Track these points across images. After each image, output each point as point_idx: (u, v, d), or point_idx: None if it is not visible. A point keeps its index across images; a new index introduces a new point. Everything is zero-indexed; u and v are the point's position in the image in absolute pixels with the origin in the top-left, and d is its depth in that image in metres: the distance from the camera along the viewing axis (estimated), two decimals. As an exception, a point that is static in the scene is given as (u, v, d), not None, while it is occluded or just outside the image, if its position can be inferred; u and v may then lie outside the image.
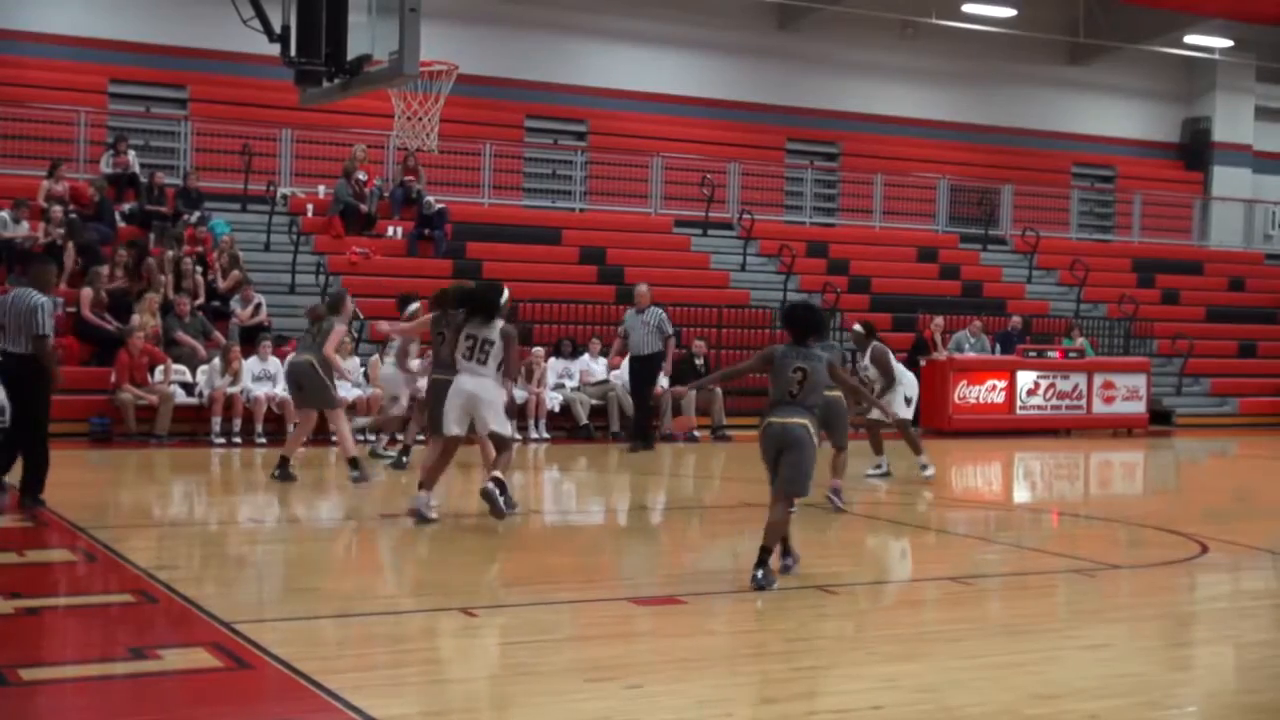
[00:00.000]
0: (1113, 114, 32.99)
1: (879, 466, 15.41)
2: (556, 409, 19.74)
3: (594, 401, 19.89)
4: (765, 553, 8.84)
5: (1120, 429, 23.00)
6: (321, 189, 23.00)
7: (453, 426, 11.18)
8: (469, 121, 24.27)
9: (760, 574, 8.78)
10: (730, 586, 9.35)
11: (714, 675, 7.07)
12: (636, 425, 18.75)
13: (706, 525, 12.97)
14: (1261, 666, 7.77)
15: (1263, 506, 15.59)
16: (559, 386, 20.03)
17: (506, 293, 11.32)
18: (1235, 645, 8.35)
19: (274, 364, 18.39)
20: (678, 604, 8.51)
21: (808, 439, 8.86)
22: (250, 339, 19.05)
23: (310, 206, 22.63)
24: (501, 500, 11.00)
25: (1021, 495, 15.62)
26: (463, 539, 11.30)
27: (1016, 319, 23.92)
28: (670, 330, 18.47)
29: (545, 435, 19.41)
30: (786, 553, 9.30)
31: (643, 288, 18.81)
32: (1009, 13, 29.00)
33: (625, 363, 19.09)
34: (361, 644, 7.52)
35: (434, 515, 11.37)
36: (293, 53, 10.90)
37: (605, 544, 11.61)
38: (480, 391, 11.03)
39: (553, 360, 20.13)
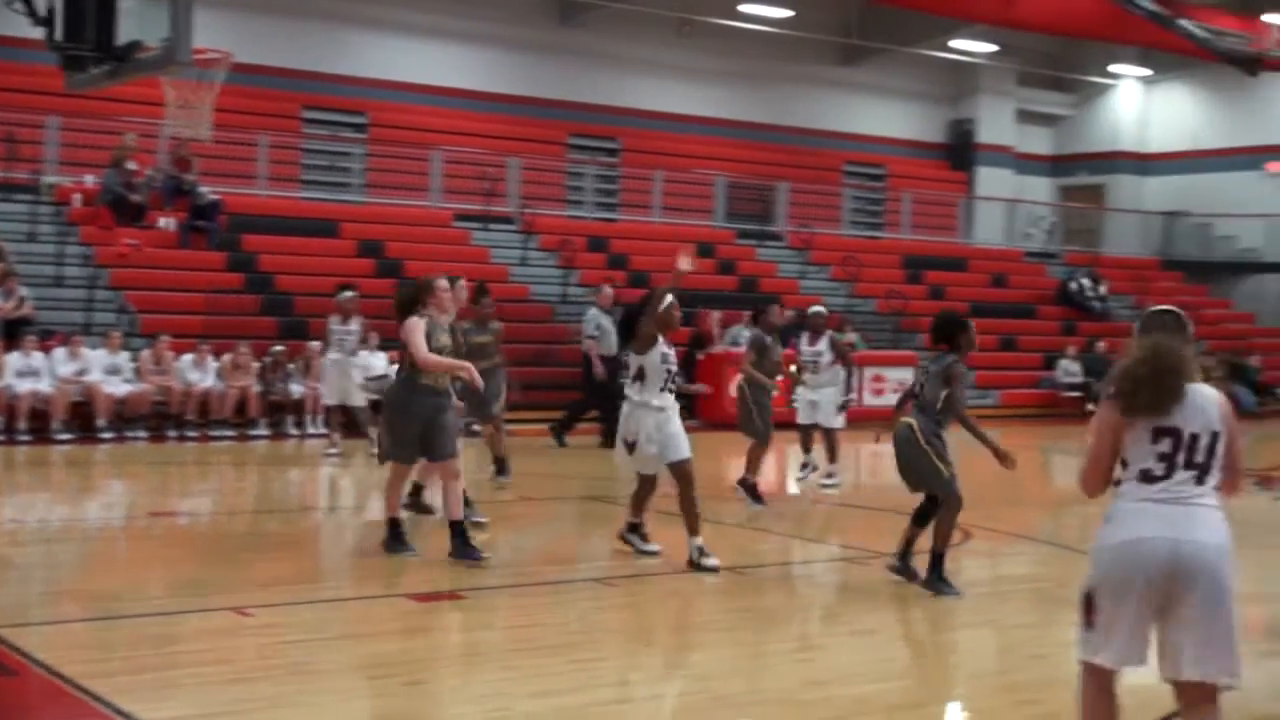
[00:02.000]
0: (883, 114, 33.92)
1: (810, 467, 15.19)
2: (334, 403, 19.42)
3: (372, 397, 19.61)
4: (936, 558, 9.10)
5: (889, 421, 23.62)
6: (90, 178, 22.24)
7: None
8: (244, 111, 23.73)
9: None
10: (510, 581, 9.37)
11: (493, 670, 7.09)
12: (569, 422, 18.76)
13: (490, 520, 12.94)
14: (1018, 648, 8.11)
15: (1022, 495, 16.21)
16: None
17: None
18: (996, 628, 8.70)
19: (38, 359, 17.73)
20: (457, 599, 8.51)
21: (910, 437, 9.23)
22: (12, 333, 18.34)
23: (78, 196, 21.89)
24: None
25: (794, 486, 15.96)
26: (238, 538, 11.11)
27: (791, 313, 24.38)
28: None
29: (322, 431, 19.08)
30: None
31: (607, 289, 18.96)
32: (785, 13, 29.56)
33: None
34: (130, 646, 7.34)
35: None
36: (59, 37, 10.54)
37: (381, 541, 11.51)
38: None
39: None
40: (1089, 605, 5.02)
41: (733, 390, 21.84)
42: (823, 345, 14.80)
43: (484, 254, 24.61)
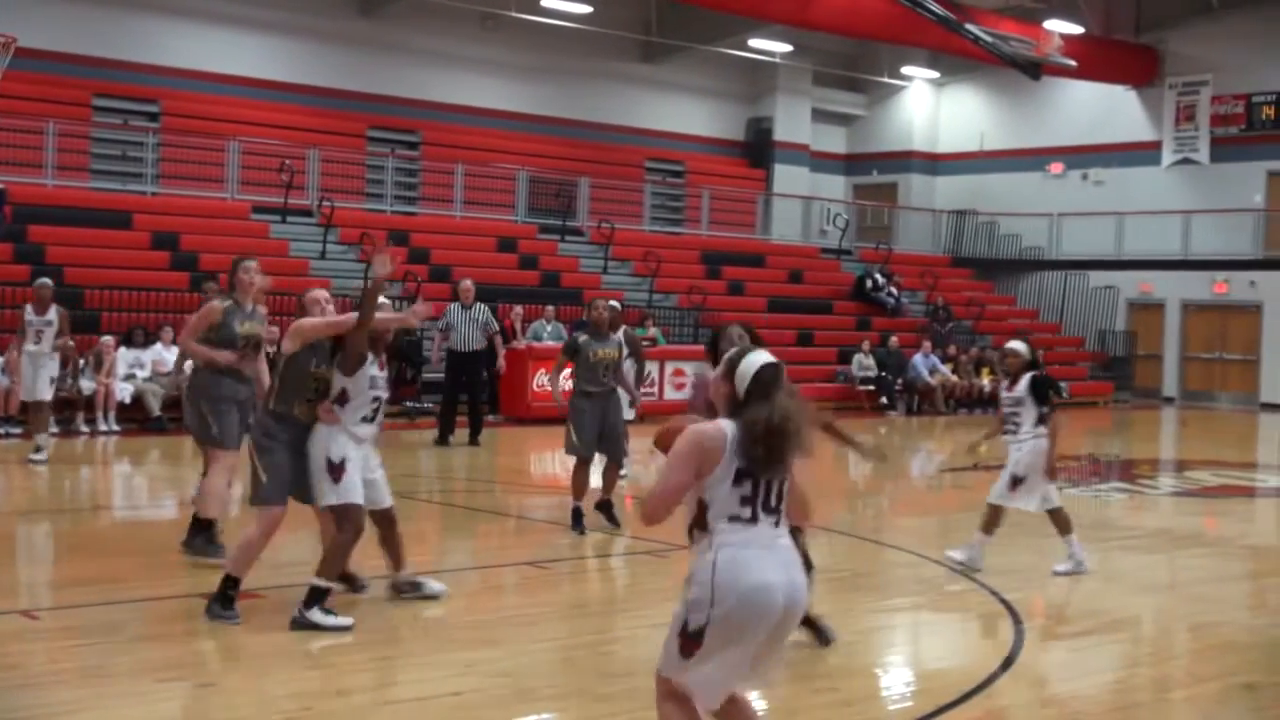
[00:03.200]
0: (683, 111, 34.28)
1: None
2: (128, 400, 18.96)
3: (166, 392, 19.19)
4: None
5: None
6: None
7: None
8: (30, 98, 22.98)
9: None
10: (302, 580, 9.26)
11: (291, 670, 7.02)
12: (446, 418, 18.37)
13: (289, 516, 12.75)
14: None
15: (816, 486, 16.58)
16: (130, 377, 19.25)
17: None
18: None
19: None
20: (255, 598, 8.39)
21: None
22: None
23: None
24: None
25: (597, 480, 16.09)
26: (25, 538, 10.78)
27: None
28: (496, 327, 18.35)
29: (115, 428, 18.61)
30: None
31: (467, 283, 18.69)
32: (585, 9, 29.67)
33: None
34: (-88, 653, 7.09)
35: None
36: None
37: (177, 540, 11.29)
38: None
39: (123, 350, 19.31)
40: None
41: (536, 385, 21.98)
42: (619, 338, 14.37)
43: (283, 247, 24.21)
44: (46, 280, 15.44)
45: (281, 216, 24.95)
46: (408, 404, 21.16)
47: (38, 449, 14.63)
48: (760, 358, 4.88)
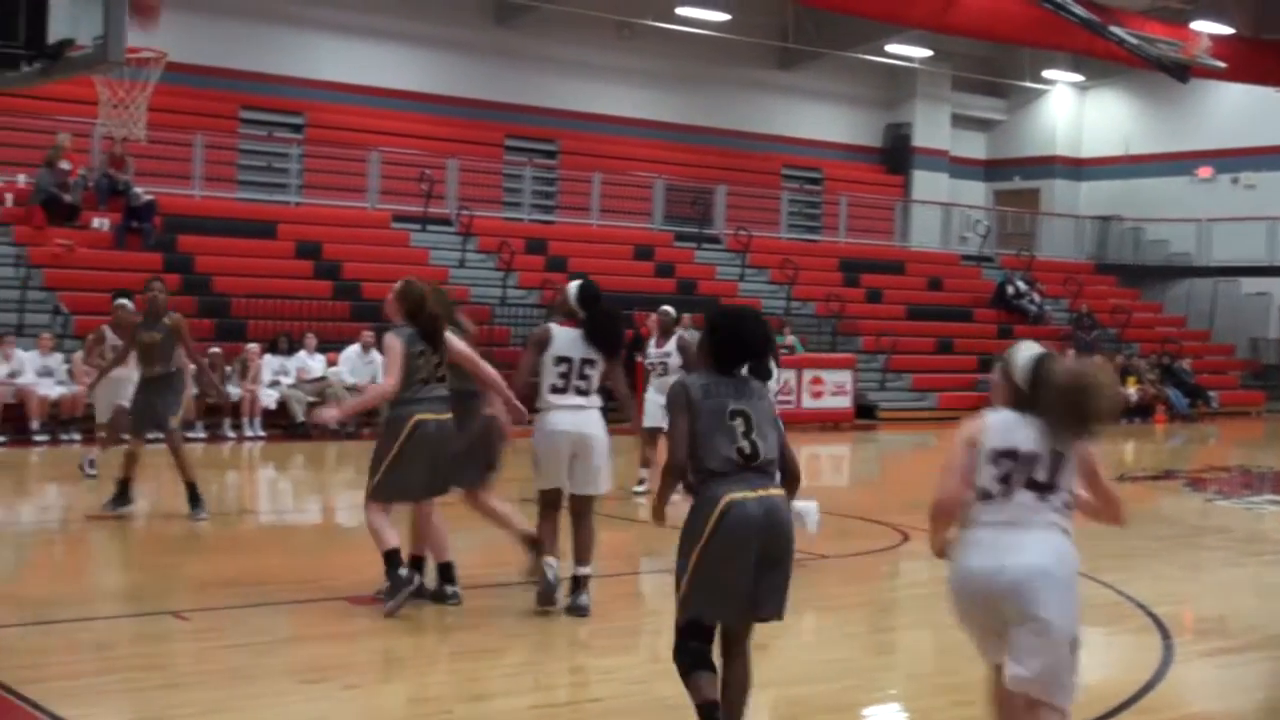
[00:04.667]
0: (820, 118, 34.08)
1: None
2: (273, 406, 19.33)
3: (310, 399, 19.53)
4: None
5: (828, 423, 23.77)
6: (22, 178, 21.97)
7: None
8: (180, 111, 23.53)
9: None
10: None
11: (433, 674, 7.08)
12: None
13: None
14: (956, 649, 8.14)
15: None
16: (275, 384, 19.62)
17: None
18: (933, 629, 8.75)
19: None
20: (396, 602, 8.45)
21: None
22: (-58, 334, 18.08)
23: (9, 196, 21.61)
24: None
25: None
26: (173, 541, 11.01)
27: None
28: None
29: (261, 433, 18.98)
30: None
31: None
32: (722, 17, 29.64)
33: None
34: (65, 652, 7.27)
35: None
36: (-12, 35, 10.42)
37: (322, 544, 11.46)
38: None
39: (268, 357, 19.70)
40: None
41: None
42: (670, 346, 14.05)
43: (423, 255, 24.52)
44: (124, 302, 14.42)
45: (421, 225, 25.26)
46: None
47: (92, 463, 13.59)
48: (1030, 350, 5.11)
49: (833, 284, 28.29)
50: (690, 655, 5.50)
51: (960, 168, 36.09)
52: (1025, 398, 5.00)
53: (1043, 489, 5.01)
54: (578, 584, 8.28)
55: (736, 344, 5.57)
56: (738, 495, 5.34)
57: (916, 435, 23.96)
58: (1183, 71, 29.30)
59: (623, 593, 9.63)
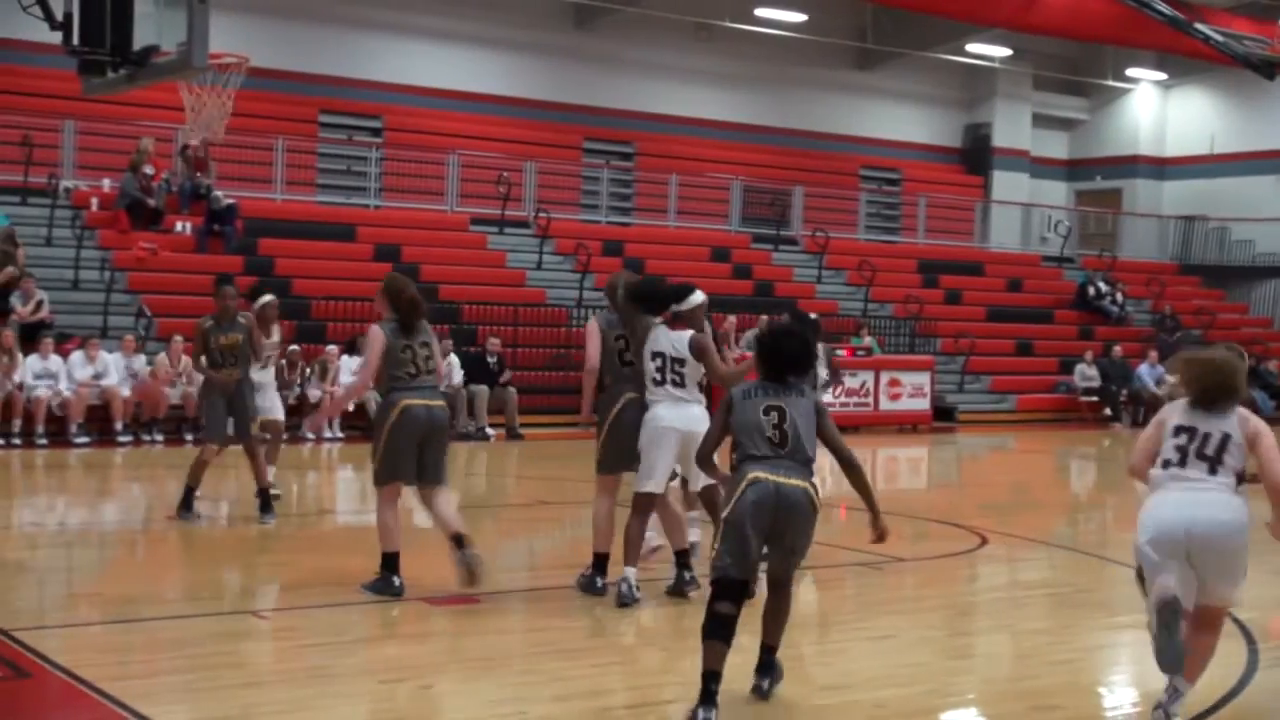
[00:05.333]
0: (898, 118, 33.87)
1: None
2: (351, 407, 19.45)
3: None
4: (769, 653, 6.69)
5: (906, 425, 23.62)
6: (107, 182, 22.33)
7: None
8: (261, 115, 23.81)
9: (765, 684, 6.63)
10: (525, 585, 9.37)
11: (508, 674, 7.09)
12: None
13: (501, 524, 12.96)
14: (1036, 653, 8.09)
15: (1038, 500, 16.19)
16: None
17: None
18: (1012, 634, 8.67)
19: (55, 362, 17.78)
20: (472, 603, 8.50)
21: (813, 504, 6.45)
22: (31, 336, 18.39)
23: (95, 200, 21.97)
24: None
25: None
26: (253, 541, 11.12)
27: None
28: None
29: (339, 434, 19.14)
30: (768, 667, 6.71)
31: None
32: (800, 18, 29.55)
33: None
34: (147, 650, 7.36)
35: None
36: (75, 41, 10.56)
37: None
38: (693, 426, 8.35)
39: (345, 358, 19.85)
40: None
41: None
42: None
43: (500, 258, 24.65)
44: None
45: (499, 228, 25.38)
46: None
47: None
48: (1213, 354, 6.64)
49: (911, 285, 28.11)
50: (710, 620, 6.26)
51: (1041, 168, 35.73)
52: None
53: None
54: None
55: (777, 357, 6.52)
56: (761, 475, 6.28)
57: (995, 437, 23.75)
58: (1270, 69, 28.83)
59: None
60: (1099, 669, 8.00)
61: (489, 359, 20.54)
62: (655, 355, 8.51)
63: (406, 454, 8.59)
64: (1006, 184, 34.37)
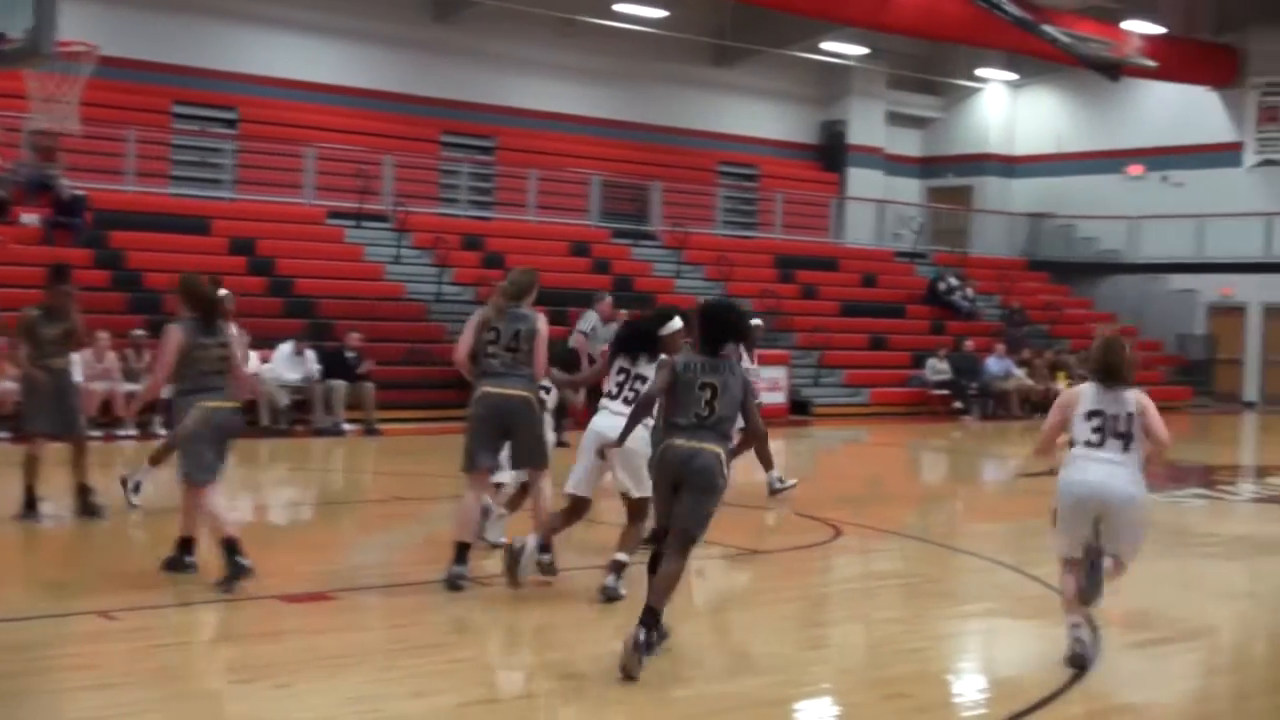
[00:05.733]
0: (756, 115, 34.20)
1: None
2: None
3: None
4: (652, 615, 7.01)
5: (763, 419, 23.81)
6: (-52, 172, 21.72)
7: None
8: (112, 105, 23.29)
9: (641, 638, 6.86)
10: (382, 581, 9.33)
11: (365, 671, 7.06)
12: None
13: (357, 520, 12.88)
14: (889, 643, 8.26)
15: (891, 491, 16.49)
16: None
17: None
18: (864, 623, 8.85)
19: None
20: (328, 600, 8.45)
21: (719, 471, 7.21)
22: None
23: (-65, 191, 21.34)
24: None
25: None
26: (99, 539, 10.92)
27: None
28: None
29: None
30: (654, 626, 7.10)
31: (607, 297, 19.67)
32: (660, 14, 29.68)
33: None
34: (-7, 652, 7.20)
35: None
36: (-83, 29, 10.30)
37: (252, 541, 11.37)
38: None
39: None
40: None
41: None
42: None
43: (357, 252, 24.43)
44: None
45: (357, 222, 25.15)
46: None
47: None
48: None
49: (768, 280, 28.40)
50: (652, 560, 7.36)
51: (895, 165, 36.31)
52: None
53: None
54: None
55: (712, 329, 7.37)
56: (677, 441, 7.18)
57: (849, 431, 24.10)
58: (1113, 70, 29.62)
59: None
60: (948, 657, 8.20)
61: (346, 354, 20.36)
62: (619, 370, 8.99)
63: (206, 454, 8.69)
64: (861, 180, 34.89)
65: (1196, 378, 31.85)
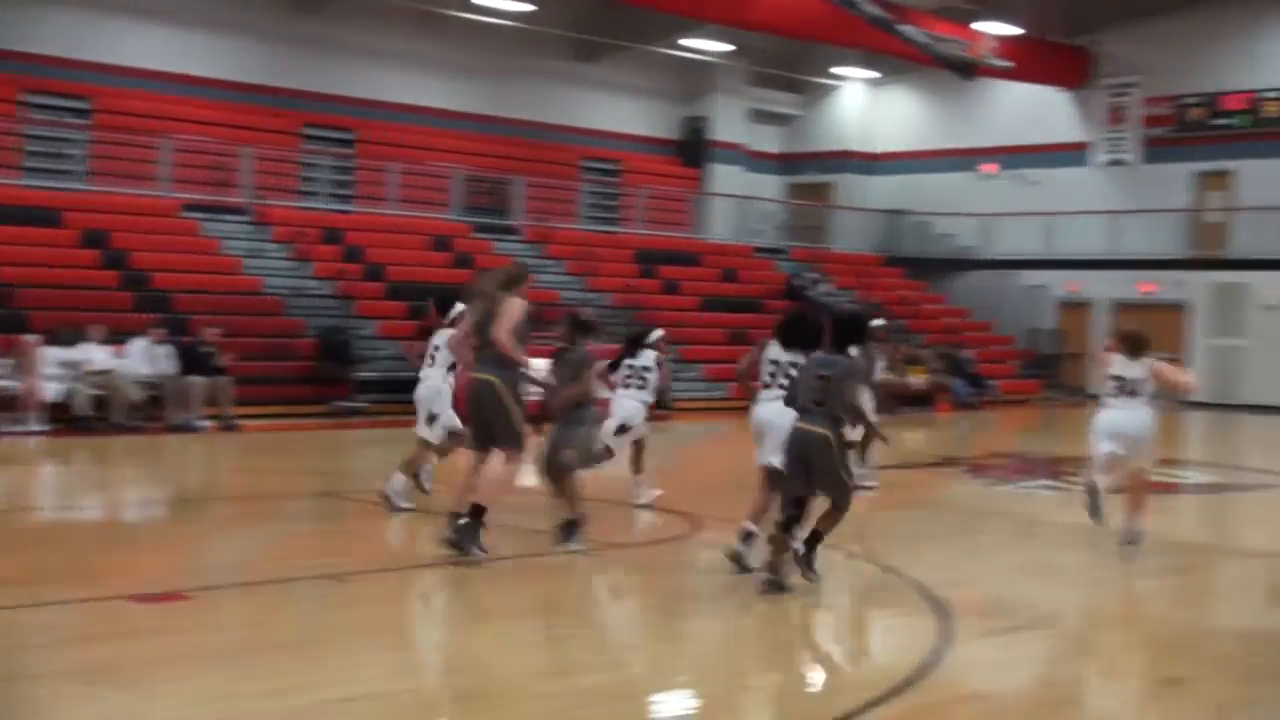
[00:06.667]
0: (619, 110, 34.31)
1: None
2: (56, 400, 18.72)
3: (95, 392, 18.98)
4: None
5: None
6: None
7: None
8: (-44, 93, 22.71)
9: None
10: (238, 579, 9.23)
11: (220, 670, 6.99)
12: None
13: (213, 518, 12.70)
14: (745, 634, 8.37)
15: (749, 483, 16.63)
16: (56, 377, 18.99)
17: None
18: (722, 616, 8.94)
19: None
20: (182, 600, 8.34)
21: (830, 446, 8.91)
22: None
23: None
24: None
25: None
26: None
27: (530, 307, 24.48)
28: None
29: (42, 428, 18.38)
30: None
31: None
32: (524, 8, 29.62)
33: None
34: None
35: None
36: None
37: (104, 541, 11.20)
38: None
39: (49, 349, 19.06)
40: None
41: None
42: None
43: (214, 245, 24.05)
44: None
45: (213, 214, 24.75)
46: (339, 403, 20.99)
47: None
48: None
49: (630, 275, 28.51)
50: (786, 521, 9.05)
51: (756, 161, 36.68)
52: None
53: None
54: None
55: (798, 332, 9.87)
56: (802, 424, 8.98)
57: (709, 425, 24.30)
58: (968, 70, 30.21)
59: (421, 588, 9.63)
60: (802, 648, 8.33)
61: (203, 348, 20.02)
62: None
63: None
64: (723, 177, 35.18)
65: (1046, 371, 32.62)
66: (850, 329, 9.50)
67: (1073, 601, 9.77)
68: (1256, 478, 17.22)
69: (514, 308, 9.58)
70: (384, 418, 20.48)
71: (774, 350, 9.92)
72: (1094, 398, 32.23)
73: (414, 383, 12.25)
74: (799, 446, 8.93)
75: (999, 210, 34.24)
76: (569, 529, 10.14)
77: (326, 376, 21.24)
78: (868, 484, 14.08)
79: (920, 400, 27.56)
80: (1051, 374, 32.57)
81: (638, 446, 12.68)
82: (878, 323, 15.23)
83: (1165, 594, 10.39)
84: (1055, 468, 18.29)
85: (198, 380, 19.47)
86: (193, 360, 19.68)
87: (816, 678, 7.64)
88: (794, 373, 9.60)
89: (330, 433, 19.37)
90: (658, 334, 12.94)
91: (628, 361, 12.52)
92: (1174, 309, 31.41)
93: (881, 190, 37.03)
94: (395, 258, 25.71)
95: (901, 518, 10.84)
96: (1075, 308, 33.21)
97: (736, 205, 34.55)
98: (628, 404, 12.43)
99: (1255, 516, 14.68)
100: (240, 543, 11.06)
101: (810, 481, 8.97)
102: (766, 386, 10.00)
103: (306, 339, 22.08)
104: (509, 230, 28.84)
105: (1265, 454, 20.69)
